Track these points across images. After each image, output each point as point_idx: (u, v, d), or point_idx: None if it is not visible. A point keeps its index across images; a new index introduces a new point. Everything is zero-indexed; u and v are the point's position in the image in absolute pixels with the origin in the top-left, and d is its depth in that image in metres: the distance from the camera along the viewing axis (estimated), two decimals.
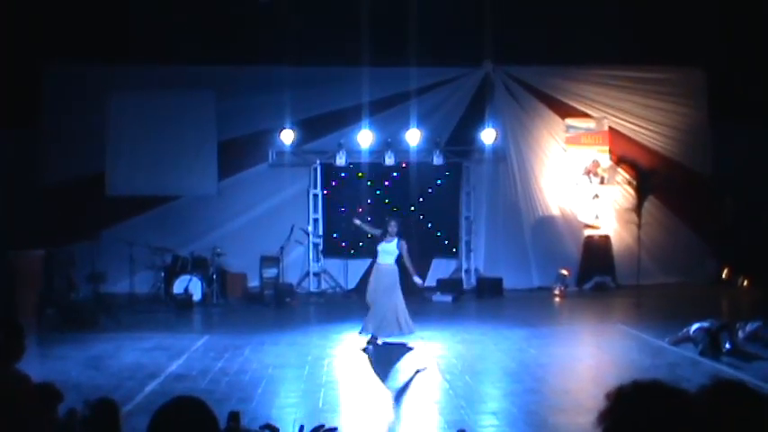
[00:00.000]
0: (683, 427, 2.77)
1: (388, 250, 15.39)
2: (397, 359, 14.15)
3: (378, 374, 13.12)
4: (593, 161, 23.58)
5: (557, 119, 23.79)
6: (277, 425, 9.34)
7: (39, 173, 21.98)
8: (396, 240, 15.39)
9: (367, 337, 15.18)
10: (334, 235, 23.19)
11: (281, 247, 21.82)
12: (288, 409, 10.68)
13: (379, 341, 15.16)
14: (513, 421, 10.24)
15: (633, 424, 2.79)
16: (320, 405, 10.94)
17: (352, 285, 22.81)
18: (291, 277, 22.49)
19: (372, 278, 15.69)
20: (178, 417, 3.32)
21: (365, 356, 14.50)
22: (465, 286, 22.74)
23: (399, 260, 15.50)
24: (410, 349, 14.84)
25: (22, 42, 20.33)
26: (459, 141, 23.07)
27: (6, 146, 20.78)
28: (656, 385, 2.88)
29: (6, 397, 5.15)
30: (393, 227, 15.49)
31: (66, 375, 12.13)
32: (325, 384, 12.19)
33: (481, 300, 21.83)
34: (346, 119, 22.66)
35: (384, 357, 14.33)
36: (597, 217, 23.52)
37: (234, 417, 3.62)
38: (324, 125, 22.75)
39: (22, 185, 21.07)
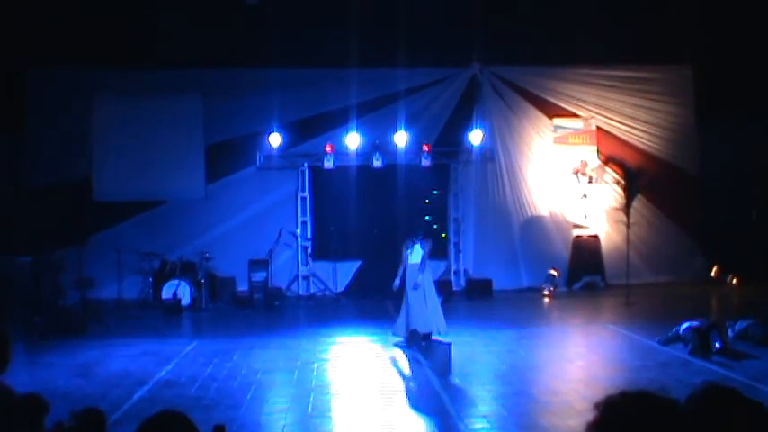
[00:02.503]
0: None
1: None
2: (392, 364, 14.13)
3: (369, 379, 13.09)
4: (582, 161, 23.60)
5: (544, 119, 23.82)
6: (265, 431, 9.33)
7: (24, 178, 21.90)
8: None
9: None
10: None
11: (270, 251, 21.79)
12: (277, 414, 10.61)
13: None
14: (504, 424, 10.19)
15: None
16: (310, 410, 10.87)
17: (341, 288, 22.80)
18: (280, 281, 22.41)
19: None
20: None
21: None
22: (454, 288, 22.70)
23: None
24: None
25: (5, 46, 20.23)
26: (447, 143, 23.07)
27: None
28: (645, 395, 2.83)
29: None
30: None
31: (53, 383, 12.04)
32: (314, 389, 12.12)
33: (471, 301, 21.84)
34: (334, 121, 22.62)
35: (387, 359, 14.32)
36: (586, 217, 23.53)
37: (219, 430, 3.56)
38: (311, 128, 22.76)
39: (8, 191, 20.97)
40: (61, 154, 21.95)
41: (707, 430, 3.04)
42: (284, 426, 10.00)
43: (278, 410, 10.85)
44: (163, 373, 13.25)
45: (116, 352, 15.04)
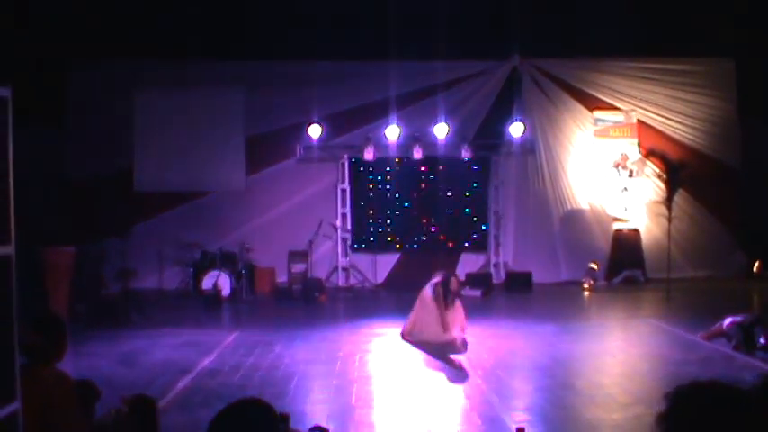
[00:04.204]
0: (745, 428, 2.72)
1: None
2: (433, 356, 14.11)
3: (411, 371, 13.10)
4: (622, 154, 23.43)
5: (585, 112, 23.70)
6: (311, 421, 9.36)
7: (68, 170, 22.09)
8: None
9: None
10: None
11: (310, 242, 21.87)
12: (320, 404, 10.65)
13: None
14: (548, 417, 10.15)
15: (694, 424, 2.74)
16: (353, 401, 10.90)
17: (380, 280, 22.85)
18: (320, 272, 22.48)
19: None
20: (245, 418, 3.30)
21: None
22: (494, 280, 22.67)
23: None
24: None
25: (48, 40, 20.37)
26: (487, 135, 23.01)
27: (35, 143, 20.78)
28: (716, 385, 2.82)
29: (48, 397, 5.15)
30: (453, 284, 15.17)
31: (98, 371, 12.06)
32: (357, 380, 12.16)
33: (510, 294, 21.80)
34: (374, 113, 22.62)
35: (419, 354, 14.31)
36: (626, 210, 23.39)
37: (283, 419, 3.58)
38: (351, 120, 22.75)
39: (52, 183, 21.14)
40: (103, 145, 22.07)
41: None
42: (328, 415, 10.02)
43: (321, 400, 10.89)
44: (206, 362, 13.32)
45: (158, 342, 15.12)
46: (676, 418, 2.77)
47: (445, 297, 14.76)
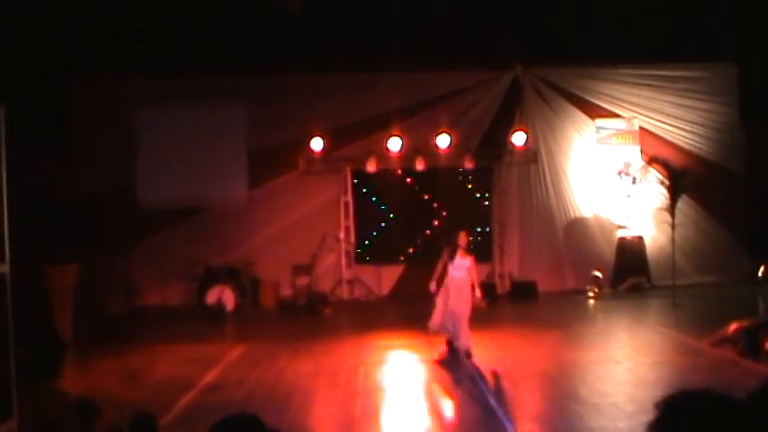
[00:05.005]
0: None
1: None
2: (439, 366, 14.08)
3: (416, 383, 13.07)
4: (625, 162, 23.37)
5: (587, 119, 23.64)
6: None
7: (70, 188, 22.00)
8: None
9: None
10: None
11: (314, 255, 21.82)
12: (325, 418, 10.63)
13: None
14: (554, 426, 10.13)
15: None
16: (357, 414, 10.86)
17: (385, 292, 22.80)
18: (324, 285, 22.41)
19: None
20: None
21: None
22: (499, 290, 22.58)
23: None
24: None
25: (50, 57, 20.39)
26: (489, 145, 22.97)
27: (38, 161, 20.81)
28: (707, 393, 2.79)
29: (47, 414, 5.15)
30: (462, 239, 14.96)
31: (102, 389, 12.08)
32: (361, 393, 12.12)
33: (516, 303, 21.69)
34: (376, 125, 22.55)
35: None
36: (630, 217, 23.32)
37: None
38: (353, 132, 22.67)
39: (55, 201, 21.10)
40: (107, 163, 21.93)
41: None
42: (333, 430, 10.00)
43: (326, 414, 10.87)
44: (209, 377, 13.30)
45: (162, 358, 15.13)
46: (667, 427, 2.74)
47: (451, 253, 14.64)
